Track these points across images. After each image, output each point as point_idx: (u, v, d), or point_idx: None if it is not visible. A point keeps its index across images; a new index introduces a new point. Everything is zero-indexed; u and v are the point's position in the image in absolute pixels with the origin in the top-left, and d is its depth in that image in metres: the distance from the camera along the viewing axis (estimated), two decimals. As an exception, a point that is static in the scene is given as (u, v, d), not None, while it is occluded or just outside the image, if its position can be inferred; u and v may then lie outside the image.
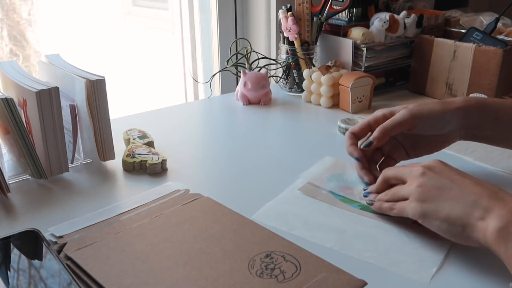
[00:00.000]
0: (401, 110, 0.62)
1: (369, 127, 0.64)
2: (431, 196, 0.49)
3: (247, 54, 1.00)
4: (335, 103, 0.96)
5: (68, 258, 0.48)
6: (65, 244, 0.50)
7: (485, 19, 1.10)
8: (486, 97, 0.86)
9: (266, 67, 1.03)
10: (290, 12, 0.97)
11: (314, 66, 1.00)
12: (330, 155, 0.73)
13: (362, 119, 0.77)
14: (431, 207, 0.49)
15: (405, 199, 0.52)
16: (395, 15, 1.00)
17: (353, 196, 0.62)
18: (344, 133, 0.80)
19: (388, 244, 0.53)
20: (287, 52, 1.01)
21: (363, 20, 1.04)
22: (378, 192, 0.58)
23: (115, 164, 0.70)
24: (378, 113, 0.64)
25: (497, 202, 0.45)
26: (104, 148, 0.69)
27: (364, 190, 0.61)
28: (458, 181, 0.49)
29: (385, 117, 0.63)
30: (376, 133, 0.62)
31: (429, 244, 0.52)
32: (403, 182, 0.54)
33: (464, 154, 0.73)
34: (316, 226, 0.56)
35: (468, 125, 0.62)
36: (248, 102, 0.98)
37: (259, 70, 1.00)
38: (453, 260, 0.50)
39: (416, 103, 0.62)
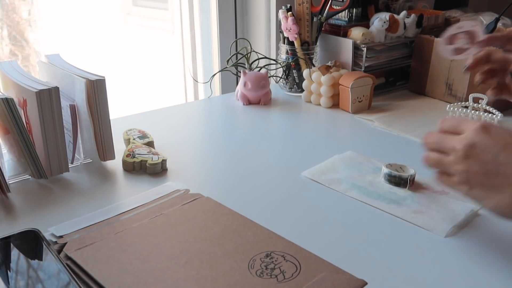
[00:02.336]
0: None
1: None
2: (478, 183, 0.48)
3: (247, 54, 1.00)
4: (335, 103, 0.96)
5: (68, 258, 0.48)
6: (65, 244, 0.50)
7: (485, 19, 1.10)
8: (487, 97, 0.86)
9: (266, 67, 1.03)
10: (290, 12, 0.97)
11: (314, 66, 1.00)
12: (329, 155, 0.73)
13: (404, 167, 0.67)
14: (480, 194, 0.48)
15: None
16: (395, 15, 1.00)
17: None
18: (388, 181, 0.65)
19: (410, 200, 0.60)
20: (287, 52, 1.01)
21: (363, 20, 1.04)
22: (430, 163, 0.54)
23: (115, 164, 0.70)
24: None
25: None
26: (104, 148, 0.69)
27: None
28: (503, 164, 0.47)
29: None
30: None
31: (453, 203, 0.52)
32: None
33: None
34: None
35: None
36: (248, 102, 0.98)
37: (259, 70, 1.00)
38: (476, 223, 0.50)
39: None
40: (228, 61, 1.02)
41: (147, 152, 0.70)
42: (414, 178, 0.65)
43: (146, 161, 0.68)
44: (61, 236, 0.52)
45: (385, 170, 0.66)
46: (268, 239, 0.51)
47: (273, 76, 1.06)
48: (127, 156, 0.69)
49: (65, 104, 0.66)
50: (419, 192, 0.63)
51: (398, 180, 0.64)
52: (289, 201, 0.62)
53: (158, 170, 0.68)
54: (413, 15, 1.02)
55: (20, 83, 0.63)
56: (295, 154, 0.76)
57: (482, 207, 0.49)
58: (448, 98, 0.98)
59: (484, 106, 0.87)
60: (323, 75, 0.94)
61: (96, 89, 0.65)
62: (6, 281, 0.44)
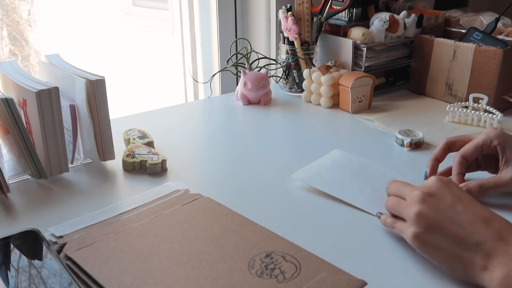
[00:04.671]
0: (509, 170, 0.58)
1: (481, 150, 0.62)
2: (431, 228, 0.46)
3: (247, 54, 1.00)
4: (335, 103, 0.96)
5: (68, 258, 0.48)
6: (65, 244, 0.50)
7: (485, 19, 1.10)
8: (487, 97, 0.86)
9: (266, 67, 1.03)
10: (290, 12, 0.97)
11: (314, 66, 1.00)
12: (329, 155, 0.73)
13: (418, 131, 0.79)
14: (431, 240, 0.46)
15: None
16: (395, 15, 0.99)
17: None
18: (401, 145, 0.78)
19: None
20: (287, 52, 1.01)
21: (363, 20, 1.04)
22: (387, 205, 0.54)
23: (115, 164, 0.70)
24: (493, 142, 0.61)
25: (500, 246, 0.43)
26: (104, 148, 0.69)
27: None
28: (460, 214, 0.46)
29: (496, 150, 0.60)
30: (474, 189, 0.59)
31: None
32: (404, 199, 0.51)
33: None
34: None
35: None
36: (248, 102, 0.98)
37: (259, 70, 1.00)
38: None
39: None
40: (228, 61, 1.02)
41: (147, 152, 0.70)
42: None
43: (146, 161, 0.68)
44: (61, 236, 0.52)
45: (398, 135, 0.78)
46: (268, 239, 0.51)
47: (273, 76, 1.06)
48: (127, 156, 0.69)
49: (65, 104, 0.66)
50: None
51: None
52: (289, 201, 0.62)
53: (158, 170, 0.68)
54: (413, 15, 1.02)
55: (20, 83, 0.63)
56: (295, 154, 0.76)
57: (429, 259, 0.48)
58: (448, 98, 0.98)
59: (484, 106, 0.87)
60: (323, 75, 0.94)
61: (96, 89, 0.65)
62: (6, 281, 0.44)
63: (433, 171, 0.65)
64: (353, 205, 0.60)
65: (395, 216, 0.52)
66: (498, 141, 0.60)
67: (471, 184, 0.60)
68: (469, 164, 0.63)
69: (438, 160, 0.65)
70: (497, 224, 0.45)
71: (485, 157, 0.64)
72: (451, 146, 0.65)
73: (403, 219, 0.50)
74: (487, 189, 0.59)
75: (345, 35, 1.01)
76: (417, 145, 0.77)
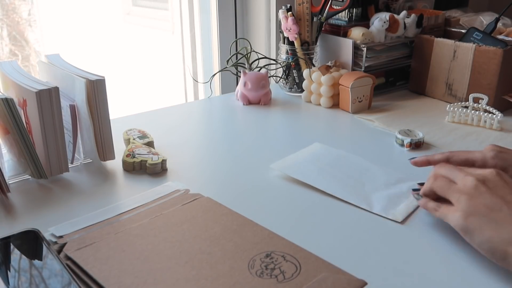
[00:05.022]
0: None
1: (472, 164, 0.60)
2: (479, 212, 0.47)
3: (247, 54, 1.00)
4: (335, 103, 0.96)
5: (68, 258, 0.48)
6: (65, 244, 0.50)
7: (485, 19, 1.10)
8: (487, 97, 0.86)
9: (266, 67, 1.03)
10: (290, 12, 0.97)
11: (314, 66, 1.00)
12: (308, 148, 0.73)
13: (418, 131, 0.79)
14: (476, 223, 0.47)
15: (450, 202, 0.51)
16: (395, 15, 1.00)
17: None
18: (400, 145, 0.78)
19: (371, 190, 0.63)
20: (287, 52, 1.01)
21: (363, 20, 1.04)
22: (426, 189, 0.55)
23: (115, 164, 0.70)
24: (490, 161, 0.58)
25: None
26: (104, 148, 0.69)
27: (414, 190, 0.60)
28: (509, 202, 0.47)
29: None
30: None
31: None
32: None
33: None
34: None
35: None
36: (248, 102, 0.98)
37: (259, 70, 1.00)
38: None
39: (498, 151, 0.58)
40: (228, 61, 1.02)
41: (147, 152, 0.70)
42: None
43: (146, 161, 0.68)
44: (61, 236, 0.52)
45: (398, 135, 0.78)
46: (268, 239, 0.51)
47: (273, 76, 1.06)
48: (127, 156, 0.69)
49: (65, 104, 0.66)
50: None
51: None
52: (289, 201, 0.62)
53: (158, 170, 0.68)
54: (413, 15, 1.02)
55: (20, 83, 0.63)
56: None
57: (469, 240, 0.49)
58: (448, 98, 0.98)
59: (484, 106, 0.87)
60: (323, 75, 0.94)
61: (96, 89, 0.65)
62: (6, 281, 0.44)
63: (421, 163, 0.64)
64: (352, 206, 0.60)
65: (437, 200, 0.53)
66: (496, 162, 0.58)
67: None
68: None
69: (430, 163, 0.63)
70: None
71: None
72: (449, 159, 0.62)
73: (448, 202, 0.51)
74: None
75: (345, 35, 1.01)
76: (417, 145, 0.77)
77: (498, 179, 0.49)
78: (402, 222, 0.57)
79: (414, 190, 0.62)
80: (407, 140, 0.77)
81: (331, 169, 0.69)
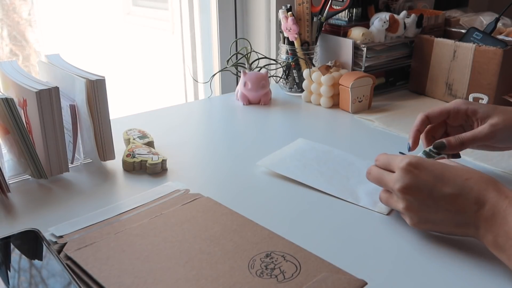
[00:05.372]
0: (485, 125, 0.61)
1: (447, 115, 0.65)
2: (421, 215, 0.51)
3: (247, 54, 1.00)
4: (335, 103, 0.96)
5: (68, 258, 0.48)
6: (65, 244, 0.50)
7: (485, 19, 1.10)
8: (487, 97, 0.86)
9: (266, 67, 1.03)
10: (290, 12, 0.97)
11: (314, 66, 1.00)
12: (293, 144, 0.74)
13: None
14: (423, 215, 0.51)
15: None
16: (395, 15, 1.00)
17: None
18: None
19: (356, 183, 0.65)
20: (287, 52, 1.01)
21: (363, 20, 1.04)
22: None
23: (115, 164, 0.70)
24: (462, 106, 0.64)
25: (480, 215, 0.48)
26: (104, 148, 0.69)
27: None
28: (439, 199, 0.50)
29: (467, 115, 0.63)
30: (453, 141, 0.61)
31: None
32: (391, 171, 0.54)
33: (464, 154, 0.74)
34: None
35: None
36: (248, 102, 0.98)
37: (259, 70, 1.00)
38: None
39: (501, 113, 0.61)
40: (228, 61, 1.02)
41: (147, 152, 0.70)
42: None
43: (146, 161, 0.68)
44: (61, 236, 0.52)
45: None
46: (268, 239, 0.51)
47: (273, 76, 1.06)
48: (127, 156, 0.69)
49: (65, 104, 0.66)
50: None
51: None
52: (289, 201, 0.62)
53: (158, 170, 0.68)
54: (413, 15, 1.02)
55: (20, 83, 0.63)
56: (295, 154, 0.76)
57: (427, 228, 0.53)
58: (448, 98, 0.98)
59: (484, 106, 0.87)
60: (323, 75, 0.94)
61: (96, 89, 0.65)
62: (6, 281, 0.44)
63: (416, 142, 0.66)
64: (352, 205, 0.60)
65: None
66: (467, 106, 0.63)
67: (450, 138, 0.62)
68: (434, 126, 0.67)
69: (419, 131, 0.66)
70: (475, 189, 0.48)
71: (454, 129, 0.66)
72: (429, 118, 0.66)
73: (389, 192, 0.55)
74: (464, 142, 0.61)
75: (345, 35, 1.01)
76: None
77: (414, 177, 0.51)
78: (388, 213, 0.58)
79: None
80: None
81: (317, 165, 0.70)
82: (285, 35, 0.99)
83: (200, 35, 1.19)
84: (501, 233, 0.45)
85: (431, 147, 0.62)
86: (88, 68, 0.69)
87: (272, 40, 1.14)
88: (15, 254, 0.48)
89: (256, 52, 1.03)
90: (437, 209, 0.50)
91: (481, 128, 0.61)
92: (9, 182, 0.64)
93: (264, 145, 0.79)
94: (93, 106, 0.66)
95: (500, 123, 0.60)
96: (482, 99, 0.87)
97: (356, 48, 0.98)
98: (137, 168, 0.69)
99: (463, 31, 1.03)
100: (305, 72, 0.97)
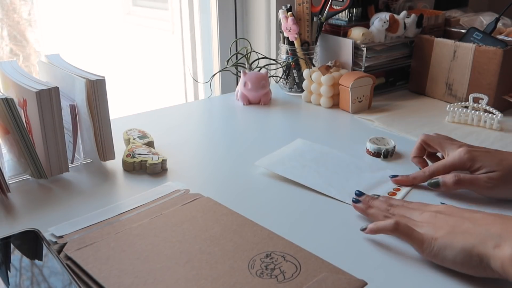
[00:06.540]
0: (485, 177, 0.60)
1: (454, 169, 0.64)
2: (445, 231, 0.49)
3: (247, 54, 1.00)
4: (335, 103, 0.96)
5: (68, 258, 0.48)
6: (65, 244, 0.50)
7: (485, 19, 1.10)
8: (487, 97, 0.86)
9: (266, 67, 1.03)
10: (290, 12, 0.97)
11: (314, 66, 1.00)
12: (291, 144, 0.75)
13: (386, 137, 0.77)
14: (445, 240, 0.48)
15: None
16: (395, 15, 1.00)
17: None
18: (372, 155, 0.74)
19: (355, 185, 0.65)
20: (287, 52, 1.01)
21: (363, 20, 1.04)
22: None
23: (115, 164, 0.70)
24: (466, 163, 0.62)
25: (510, 226, 0.46)
26: (104, 148, 0.69)
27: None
28: (468, 217, 0.49)
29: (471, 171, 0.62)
30: (449, 182, 0.62)
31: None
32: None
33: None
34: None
35: None
36: (248, 102, 0.98)
37: (259, 70, 1.00)
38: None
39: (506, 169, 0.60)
40: (228, 61, 1.02)
41: (147, 152, 0.70)
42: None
43: (146, 161, 0.68)
44: (61, 236, 0.52)
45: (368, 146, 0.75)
46: (268, 239, 0.51)
47: (273, 76, 1.06)
48: (127, 156, 0.69)
49: (65, 104, 0.66)
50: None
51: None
52: (289, 201, 0.62)
53: (158, 170, 0.68)
54: (413, 15, 1.02)
55: (20, 83, 0.63)
56: (295, 154, 0.76)
57: (442, 261, 0.49)
58: (448, 98, 0.98)
59: (484, 106, 0.87)
60: (323, 75, 0.94)
61: (96, 89, 0.65)
62: (6, 281, 0.44)
63: (423, 164, 0.69)
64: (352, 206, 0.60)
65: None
66: (470, 164, 0.62)
67: (447, 176, 0.62)
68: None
69: (413, 183, 0.66)
70: (502, 216, 0.48)
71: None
72: (434, 173, 0.65)
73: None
74: (461, 182, 0.61)
75: (345, 35, 1.01)
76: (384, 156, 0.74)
77: (452, 208, 0.52)
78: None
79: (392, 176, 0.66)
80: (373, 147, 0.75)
81: (315, 165, 0.70)
82: (285, 35, 0.99)
83: (200, 35, 1.19)
84: None
85: (427, 183, 0.64)
86: (88, 68, 0.69)
87: (272, 40, 1.14)
88: (15, 254, 0.48)
89: (256, 52, 1.03)
90: (462, 222, 0.49)
91: (480, 177, 0.60)
92: (9, 182, 0.64)
93: (264, 145, 0.79)
94: (93, 106, 0.66)
95: (501, 178, 0.60)
96: (482, 99, 0.87)
97: (356, 48, 0.98)
98: (137, 168, 0.69)
99: (463, 31, 1.03)
100: (305, 72, 0.97)
